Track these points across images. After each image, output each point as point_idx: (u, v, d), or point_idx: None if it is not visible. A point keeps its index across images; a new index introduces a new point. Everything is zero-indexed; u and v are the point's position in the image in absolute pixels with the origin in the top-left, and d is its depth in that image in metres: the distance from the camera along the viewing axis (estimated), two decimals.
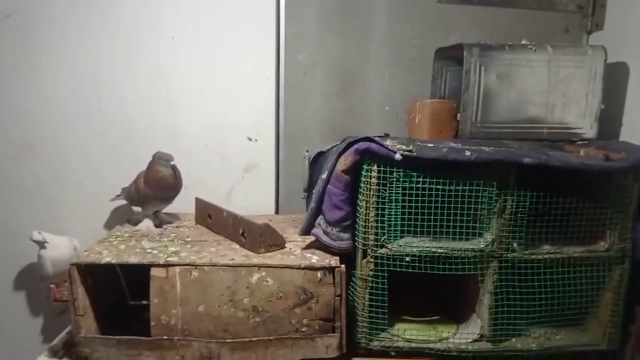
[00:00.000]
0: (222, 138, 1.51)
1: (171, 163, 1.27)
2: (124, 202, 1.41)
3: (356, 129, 1.49)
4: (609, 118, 1.31)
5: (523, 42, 1.29)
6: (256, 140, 1.52)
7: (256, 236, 1.14)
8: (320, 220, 1.15)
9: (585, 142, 1.25)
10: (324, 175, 1.13)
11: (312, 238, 1.18)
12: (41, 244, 1.37)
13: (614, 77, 1.32)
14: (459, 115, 1.25)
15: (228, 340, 1.05)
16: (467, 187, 1.07)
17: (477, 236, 1.10)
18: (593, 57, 1.24)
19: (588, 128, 1.27)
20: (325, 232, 1.13)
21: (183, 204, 1.38)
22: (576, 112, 1.26)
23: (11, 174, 1.49)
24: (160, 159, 1.27)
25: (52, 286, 1.37)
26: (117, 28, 1.44)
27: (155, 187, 1.28)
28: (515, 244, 1.09)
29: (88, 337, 1.06)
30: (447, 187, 1.07)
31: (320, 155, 1.35)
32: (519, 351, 1.12)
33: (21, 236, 1.45)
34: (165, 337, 1.04)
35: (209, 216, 1.33)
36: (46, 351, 1.17)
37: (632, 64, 1.31)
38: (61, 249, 1.38)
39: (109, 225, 1.50)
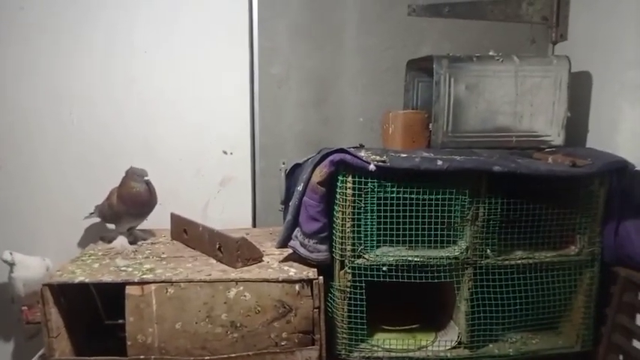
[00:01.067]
0: (197, 152, 1.50)
1: (145, 178, 1.25)
2: (97, 219, 1.39)
3: (331, 140, 1.50)
4: (575, 126, 1.35)
5: (490, 53, 1.32)
6: (232, 153, 1.52)
7: (233, 250, 1.13)
8: (297, 232, 1.16)
9: (553, 149, 1.29)
10: (299, 187, 1.14)
11: (290, 251, 1.18)
12: (11, 265, 1.33)
13: (579, 86, 1.37)
14: (430, 125, 1.28)
15: (206, 358, 1.04)
16: (440, 196, 1.08)
17: (451, 244, 1.12)
18: (558, 67, 1.28)
19: (556, 136, 1.30)
20: (302, 245, 1.14)
21: (158, 220, 1.36)
22: (544, 121, 1.30)
23: None
24: (133, 174, 1.26)
25: (24, 307, 1.33)
26: (90, 42, 1.43)
27: (129, 203, 1.26)
28: (488, 251, 1.12)
29: None
30: (420, 197, 1.08)
31: (296, 167, 1.35)
32: (497, 356, 1.14)
33: None
34: (142, 357, 1.02)
35: (185, 231, 1.32)
36: None
37: (596, 73, 1.36)
38: (32, 269, 1.34)
39: (83, 243, 1.47)
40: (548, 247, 1.16)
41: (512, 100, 1.28)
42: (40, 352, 1.21)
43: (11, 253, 1.32)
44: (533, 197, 1.11)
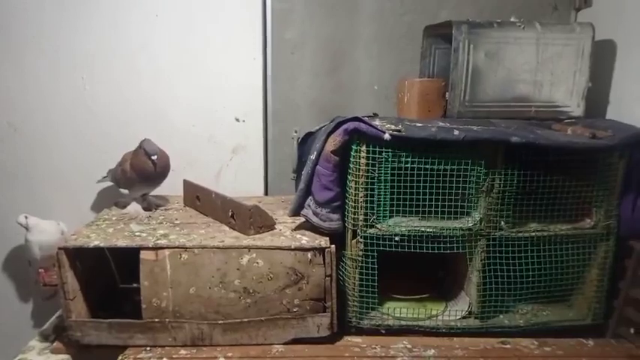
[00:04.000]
0: (210, 119, 1.49)
1: (153, 157, 1.23)
2: (111, 186, 1.40)
3: (345, 108, 1.48)
4: (596, 96, 1.31)
5: (512, 19, 1.28)
6: (244, 121, 1.50)
7: (246, 218, 1.13)
8: (309, 201, 1.15)
9: (572, 120, 1.26)
10: (312, 156, 1.13)
11: (302, 219, 1.18)
12: (26, 228, 1.36)
13: (602, 55, 1.32)
14: (447, 94, 1.25)
15: (219, 322, 1.05)
16: (455, 167, 1.07)
17: (465, 215, 1.11)
18: (581, 34, 1.23)
19: (575, 106, 1.27)
20: (315, 213, 1.13)
21: (171, 186, 1.37)
22: (564, 91, 1.26)
23: None
24: (143, 150, 1.24)
25: (40, 270, 1.36)
26: (100, 5, 1.40)
27: (140, 174, 1.26)
28: (502, 223, 1.10)
29: (78, 321, 1.06)
30: (435, 167, 1.07)
31: (309, 136, 1.34)
32: (507, 327, 1.15)
33: (6, 220, 1.43)
34: (156, 320, 1.04)
35: (198, 198, 1.32)
36: (37, 335, 1.17)
37: (620, 42, 1.31)
38: (47, 233, 1.37)
39: (96, 208, 1.49)
40: (564, 219, 1.14)
41: (532, 68, 1.24)
42: (57, 313, 1.24)
43: (26, 217, 1.34)
44: (550, 169, 1.09)
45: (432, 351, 1.07)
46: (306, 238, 1.11)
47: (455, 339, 1.12)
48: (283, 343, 1.08)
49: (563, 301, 1.20)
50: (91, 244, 1.06)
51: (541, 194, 1.11)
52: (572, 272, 1.16)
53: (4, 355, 1.12)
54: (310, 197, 1.15)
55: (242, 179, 1.52)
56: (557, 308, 1.20)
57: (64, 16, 1.39)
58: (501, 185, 1.08)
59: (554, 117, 1.26)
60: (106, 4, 1.40)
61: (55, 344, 1.11)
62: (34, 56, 1.41)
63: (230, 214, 1.18)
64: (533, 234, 1.12)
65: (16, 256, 1.51)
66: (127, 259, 1.10)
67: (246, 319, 1.06)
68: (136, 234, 1.12)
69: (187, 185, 1.37)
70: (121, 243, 1.07)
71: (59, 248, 1.05)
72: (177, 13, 1.42)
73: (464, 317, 1.15)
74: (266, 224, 1.16)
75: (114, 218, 1.24)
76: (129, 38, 1.42)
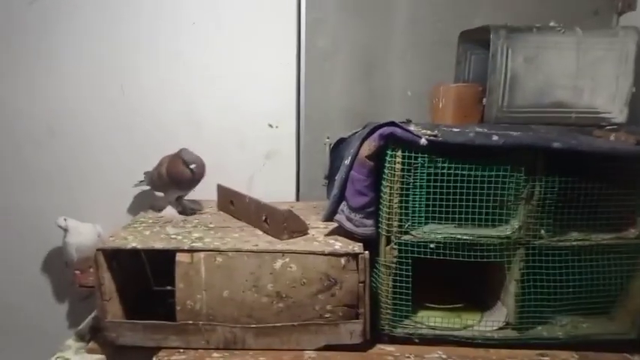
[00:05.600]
0: (243, 125, 1.51)
1: (192, 167, 1.25)
2: (146, 187, 1.42)
3: (377, 115, 1.47)
4: None
5: (551, 24, 1.25)
6: (277, 127, 1.51)
7: (279, 222, 1.13)
8: (343, 206, 1.15)
9: (615, 126, 1.22)
10: (347, 161, 1.12)
11: (335, 225, 1.17)
12: (65, 231, 1.39)
13: None
14: (484, 99, 1.23)
15: (252, 326, 1.05)
16: (493, 173, 1.04)
17: (503, 223, 1.08)
18: (625, 38, 1.20)
19: (618, 112, 1.23)
20: (348, 219, 1.13)
21: (205, 191, 1.38)
22: (605, 96, 1.23)
23: (34, 160, 1.51)
24: (181, 159, 1.25)
25: (76, 272, 1.39)
26: (138, 13, 1.44)
27: (176, 181, 1.28)
28: (542, 231, 1.07)
29: (114, 322, 1.08)
30: (472, 173, 1.05)
31: (341, 142, 1.34)
32: (546, 339, 1.11)
33: (45, 222, 1.47)
34: (190, 322, 1.05)
35: (231, 202, 1.33)
36: (73, 335, 1.19)
37: None
38: (84, 235, 1.40)
39: (132, 211, 1.52)
40: (606, 229, 1.10)
41: (572, 73, 1.21)
42: (92, 314, 1.26)
43: (65, 219, 1.37)
44: (593, 176, 1.06)
45: None
46: (339, 244, 1.10)
47: (491, 350, 1.09)
48: (315, 349, 1.07)
49: (604, 314, 1.16)
50: (129, 246, 1.08)
51: (583, 202, 1.07)
52: (614, 284, 1.11)
53: (42, 354, 1.14)
54: (344, 203, 1.14)
55: (274, 185, 1.53)
56: (598, 321, 1.15)
57: (104, 24, 1.44)
58: (542, 193, 1.05)
59: (595, 123, 1.23)
60: (145, 14, 1.44)
61: (90, 344, 1.13)
62: (74, 63, 1.45)
63: (264, 218, 1.19)
64: (574, 243, 1.09)
65: (54, 257, 1.55)
66: (161, 261, 1.11)
67: (278, 324, 1.06)
68: (172, 237, 1.13)
69: (221, 190, 1.39)
70: (158, 245, 1.08)
71: (97, 249, 1.07)
72: (213, 22, 1.45)
73: (500, 328, 1.12)
74: (299, 229, 1.16)
75: (150, 221, 1.26)
76: (166, 46, 1.46)
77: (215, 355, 1.05)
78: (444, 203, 1.07)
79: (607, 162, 1.05)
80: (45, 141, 1.50)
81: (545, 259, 1.08)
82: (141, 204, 1.48)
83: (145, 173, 1.40)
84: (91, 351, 1.12)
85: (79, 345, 1.16)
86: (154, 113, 1.49)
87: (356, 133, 1.23)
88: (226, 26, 1.46)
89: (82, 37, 1.44)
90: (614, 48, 1.20)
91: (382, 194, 1.09)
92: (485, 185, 1.05)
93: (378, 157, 1.08)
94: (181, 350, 1.06)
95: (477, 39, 1.34)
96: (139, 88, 1.48)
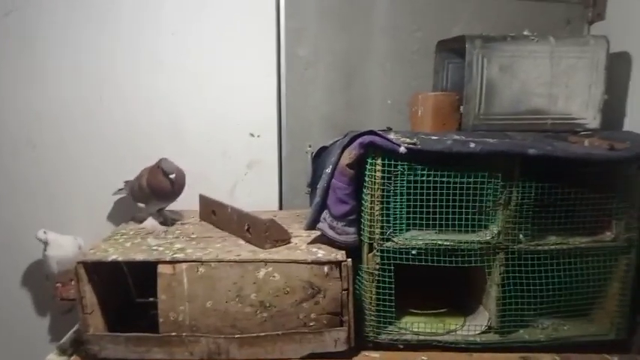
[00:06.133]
0: (225, 134, 1.51)
1: (171, 176, 1.24)
2: (127, 200, 1.41)
3: (358, 123, 1.49)
4: (612, 109, 1.31)
5: (525, 33, 1.28)
6: (259, 136, 1.52)
7: (262, 232, 1.13)
8: (325, 214, 1.15)
9: (589, 132, 1.25)
10: (328, 170, 1.13)
11: (317, 233, 1.18)
12: (45, 244, 1.37)
13: (617, 67, 1.32)
14: (462, 107, 1.25)
15: (236, 336, 1.05)
16: (472, 179, 1.07)
17: (482, 228, 1.10)
18: (595, 47, 1.24)
19: (592, 119, 1.27)
20: (331, 227, 1.13)
21: (186, 201, 1.37)
22: (579, 103, 1.26)
23: (14, 172, 1.49)
24: (161, 169, 1.25)
25: (57, 285, 1.37)
26: (118, 24, 1.43)
27: (156, 192, 1.27)
28: (521, 236, 1.09)
29: (96, 335, 1.06)
30: (451, 180, 1.07)
31: (323, 150, 1.35)
32: (528, 342, 1.13)
33: (24, 235, 1.45)
34: (173, 334, 1.04)
35: (213, 212, 1.33)
36: (55, 349, 1.17)
37: (635, 54, 1.31)
38: (65, 248, 1.38)
39: (113, 222, 1.50)
40: (583, 232, 1.12)
41: (547, 81, 1.24)
42: (74, 327, 1.24)
43: (45, 232, 1.35)
44: (568, 181, 1.08)
45: None
46: (322, 252, 1.11)
47: (474, 354, 1.10)
48: (300, 358, 1.07)
49: (584, 316, 1.18)
50: (109, 258, 1.07)
51: (559, 207, 1.10)
52: (592, 286, 1.14)
53: None
54: (326, 211, 1.15)
55: (257, 194, 1.53)
56: (578, 323, 1.18)
57: (84, 34, 1.43)
58: (519, 198, 1.07)
59: (570, 129, 1.26)
60: (125, 23, 1.43)
61: (72, 358, 1.11)
62: (53, 73, 1.44)
63: (246, 228, 1.19)
64: (553, 247, 1.11)
65: (34, 270, 1.53)
66: (143, 273, 1.10)
67: (262, 334, 1.05)
68: (153, 248, 1.12)
69: (203, 200, 1.38)
70: (139, 257, 1.07)
71: (78, 262, 1.06)
72: (192, 32, 1.45)
73: (483, 332, 1.13)
74: (282, 238, 1.16)
75: (131, 233, 1.25)
76: (146, 56, 1.45)
77: None
78: (424, 210, 1.09)
79: (582, 167, 1.07)
80: (25, 152, 1.48)
81: (524, 263, 1.10)
82: (122, 215, 1.46)
83: (125, 182, 1.39)
84: None
85: (61, 359, 1.14)
86: (135, 123, 1.48)
87: (337, 141, 1.25)
88: (206, 36, 1.46)
89: (62, 47, 1.43)
90: (585, 56, 1.24)
91: (363, 202, 1.11)
92: (464, 191, 1.07)
93: (358, 165, 1.09)
94: None
95: (453, 48, 1.37)
96: (119, 99, 1.47)
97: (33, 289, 1.55)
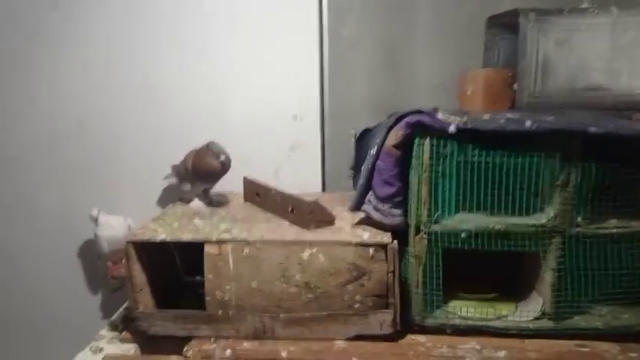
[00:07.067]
0: (268, 117, 1.51)
1: (221, 158, 1.26)
2: (174, 180, 1.43)
3: (403, 105, 1.42)
4: None
5: (584, 5, 1.20)
6: (302, 119, 1.51)
7: (306, 213, 1.13)
8: (370, 196, 1.13)
9: None
10: (373, 151, 1.11)
11: (362, 215, 1.16)
12: (95, 223, 1.42)
13: None
14: (515, 84, 1.19)
15: (281, 315, 1.05)
16: (527, 160, 1.01)
17: (538, 211, 1.05)
18: None
19: None
20: (376, 209, 1.11)
21: (231, 183, 1.38)
22: None
23: (65, 156, 1.54)
24: (210, 151, 1.27)
25: (108, 263, 1.42)
26: (161, 6, 1.44)
27: (201, 174, 1.29)
28: (579, 219, 1.03)
29: (146, 312, 1.09)
30: (505, 160, 1.02)
31: (366, 132, 1.32)
32: (584, 329, 1.07)
33: (77, 216, 1.50)
34: (220, 312, 1.05)
35: (257, 194, 1.33)
36: (107, 325, 1.21)
37: None
38: (115, 228, 1.42)
39: (160, 203, 1.54)
40: None
41: (608, 56, 1.16)
42: (124, 305, 1.28)
43: (98, 211, 1.40)
44: (631, 162, 1.01)
45: (504, 352, 1.02)
46: (367, 234, 1.09)
47: (526, 341, 1.06)
48: (345, 339, 1.06)
49: None
50: (158, 238, 1.08)
51: (621, 189, 1.03)
52: None
53: (76, 344, 1.16)
54: (371, 193, 1.13)
55: (299, 176, 1.53)
56: (638, 311, 1.11)
57: (130, 18, 1.45)
58: (578, 179, 1.01)
59: (633, 107, 1.17)
60: (169, 7, 1.45)
61: (123, 334, 1.15)
62: (101, 61, 1.48)
63: (290, 209, 1.18)
64: (613, 231, 1.04)
65: (85, 250, 1.58)
66: (190, 252, 1.12)
67: (307, 314, 1.05)
68: (200, 229, 1.13)
69: (247, 182, 1.39)
70: (186, 237, 1.08)
71: (128, 242, 1.08)
72: (234, 13, 1.45)
73: (536, 318, 1.08)
74: (326, 219, 1.15)
75: (178, 213, 1.27)
76: (192, 38, 1.46)
77: (245, 344, 1.05)
78: (475, 192, 1.05)
79: None
80: (74, 135, 1.52)
81: (582, 247, 1.04)
82: (169, 196, 1.49)
83: (172, 166, 1.41)
84: (124, 340, 1.13)
85: (112, 335, 1.18)
86: (180, 107, 1.50)
87: (381, 123, 1.22)
88: (249, 17, 1.45)
89: (107, 34, 1.46)
90: None
91: (410, 184, 1.07)
92: (519, 172, 1.02)
93: (405, 146, 1.06)
94: (212, 339, 1.06)
95: (505, 23, 1.30)
96: (167, 80, 1.49)
97: (86, 269, 1.61)
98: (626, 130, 0.98)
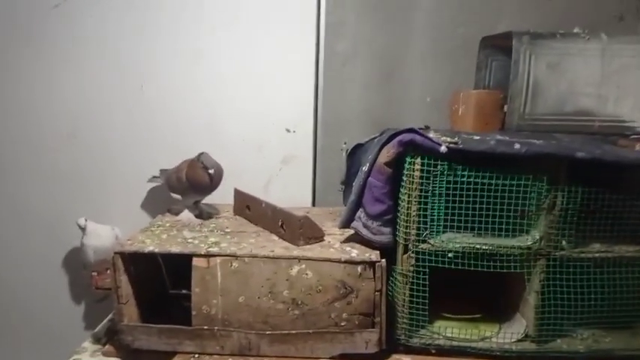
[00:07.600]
0: (260, 129, 1.51)
1: (210, 171, 1.25)
2: (163, 191, 1.42)
3: (395, 121, 1.46)
4: None
5: (576, 30, 1.23)
6: (294, 131, 1.51)
7: (296, 228, 1.13)
8: (360, 213, 1.13)
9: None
10: (365, 168, 1.11)
11: (351, 232, 1.16)
12: (83, 231, 1.40)
13: None
14: (505, 106, 1.21)
15: (267, 332, 1.05)
16: (515, 182, 1.03)
17: (523, 233, 1.06)
18: None
19: None
20: (365, 226, 1.11)
21: (221, 195, 1.38)
22: (631, 105, 1.20)
23: (55, 163, 1.53)
24: (201, 163, 1.26)
25: (93, 273, 1.40)
26: (159, 16, 1.44)
27: (194, 185, 1.28)
28: (564, 242, 1.05)
29: (130, 325, 1.08)
30: (493, 182, 1.03)
31: (358, 147, 1.33)
32: (565, 352, 1.08)
33: (63, 224, 1.49)
34: (205, 327, 1.05)
35: (247, 207, 1.33)
36: (90, 337, 1.20)
37: None
38: (102, 238, 1.41)
39: (149, 213, 1.53)
40: (629, 240, 1.07)
41: (597, 81, 1.19)
42: (109, 317, 1.27)
43: (86, 220, 1.38)
44: (616, 187, 1.03)
45: None
46: (355, 251, 1.09)
47: None
48: (330, 358, 1.06)
49: (627, 328, 1.13)
50: (146, 250, 1.08)
51: (606, 213, 1.05)
52: (637, 297, 1.09)
53: (58, 356, 1.15)
54: (361, 209, 1.13)
55: (290, 190, 1.53)
56: (621, 335, 1.12)
57: (125, 28, 1.45)
58: (564, 203, 1.02)
59: (619, 132, 1.20)
60: (166, 17, 1.45)
61: (106, 347, 1.13)
62: (95, 65, 1.47)
63: (280, 223, 1.18)
64: (597, 255, 1.06)
65: (71, 259, 1.57)
66: (177, 265, 1.11)
67: (293, 331, 1.05)
68: (189, 241, 1.13)
69: (238, 194, 1.38)
70: (174, 249, 1.08)
71: (115, 252, 1.07)
72: (233, 26, 1.45)
73: (519, 340, 1.09)
74: (315, 235, 1.15)
75: (167, 224, 1.27)
76: (187, 49, 1.46)
77: None
78: (463, 212, 1.06)
79: (631, 172, 1.02)
80: (64, 144, 1.51)
81: (566, 270, 1.06)
82: (158, 206, 1.48)
83: (160, 170, 1.40)
84: (107, 354, 1.12)
85: (95, 347, 1.16)
86: (173, 117, 1.49)
87: (374, 138, 1.23)
88: (246, 30, 1.46)
89: (103, 41, 1.46)
90: None
91: (400, 202, 1.08)
92: (506, 194, 1.03)
93: (396, 164, 1.07)
94: (196, 355, 1.05)
95: (498, 45, 1.32)
96: (159, 92, 1.48)
97: (70, 278, 1.60)
98: (612, 156, 1.00)
